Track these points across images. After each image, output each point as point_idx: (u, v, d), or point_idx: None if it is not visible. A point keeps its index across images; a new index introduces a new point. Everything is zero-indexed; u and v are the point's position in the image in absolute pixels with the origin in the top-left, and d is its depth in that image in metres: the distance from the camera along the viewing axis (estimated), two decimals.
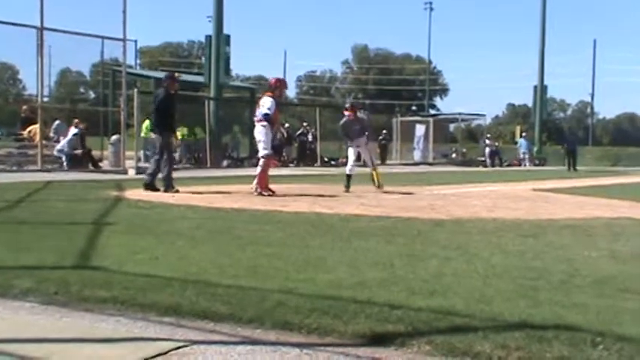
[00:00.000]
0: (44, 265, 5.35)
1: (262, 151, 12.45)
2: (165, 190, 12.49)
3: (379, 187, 14.02)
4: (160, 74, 40.31)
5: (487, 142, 42.26)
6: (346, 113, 14.39)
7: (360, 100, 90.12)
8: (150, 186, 12.71)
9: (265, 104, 12.39)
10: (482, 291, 4.72)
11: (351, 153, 14.38)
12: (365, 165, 14.89)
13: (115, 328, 3.90)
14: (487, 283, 5.02)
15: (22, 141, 22.36)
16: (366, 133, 14.37)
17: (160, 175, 12.86)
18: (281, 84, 12.99)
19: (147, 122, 27.52)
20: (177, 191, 12.52)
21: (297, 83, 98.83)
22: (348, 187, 13.74)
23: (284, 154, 28.72)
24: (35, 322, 3.97)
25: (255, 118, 12.57)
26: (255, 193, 12.31)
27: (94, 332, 3.80)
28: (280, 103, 13.14)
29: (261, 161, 12.49)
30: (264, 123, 12.34)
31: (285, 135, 29.90)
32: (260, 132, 12.37)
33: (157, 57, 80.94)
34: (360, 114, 15.42)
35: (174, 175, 13.23)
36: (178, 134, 16.94)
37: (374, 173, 14.22)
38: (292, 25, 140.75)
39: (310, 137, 32.70)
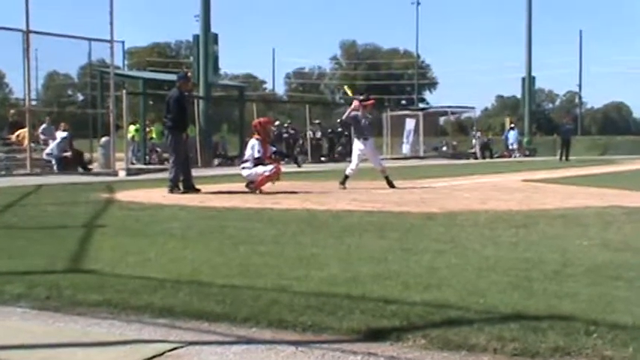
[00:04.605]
0: (35, 270, 5.31)
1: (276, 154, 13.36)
2: (170, 191, 12.48)
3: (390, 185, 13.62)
4: (149, 75, 40.32)
5: (477, 134, 42.53)
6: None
7: (349, 97, 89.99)
8: (187, 189, 12.68)
9: (254, 147, 12.91)
10: (476, 283, 4.73)
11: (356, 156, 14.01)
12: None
13: (108, 331, 3.88)
14: (481, 275, 5.02)
15: (11, 145, 22.24)
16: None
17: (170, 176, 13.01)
18: (262, 126, 13.37)
19: (137, 126, 27.64)
20: (198, 191, 12.64)
21: (286, 80, 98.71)
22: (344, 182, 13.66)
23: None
24: (27, 328, 3.94)
25: (244, 158, 13.15)
26: (257, 192, 12.47)
27: (87, 336, 3.78)
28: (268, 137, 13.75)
29: (270, 167, 12.61)
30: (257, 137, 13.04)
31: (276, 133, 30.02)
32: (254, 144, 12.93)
33: (145, 57, 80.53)
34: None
35: (195, 173, 13.64)
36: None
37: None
38: (280, 23, 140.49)
39: (319, 134, 32.92)
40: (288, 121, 34.52)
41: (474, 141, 41.94)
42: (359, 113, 13.94)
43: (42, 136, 23.35)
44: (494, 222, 8.20)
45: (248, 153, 12.99)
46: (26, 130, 20.83)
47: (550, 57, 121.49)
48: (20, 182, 15.81)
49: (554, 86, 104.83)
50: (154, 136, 28.22)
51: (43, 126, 24.17)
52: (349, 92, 17.81)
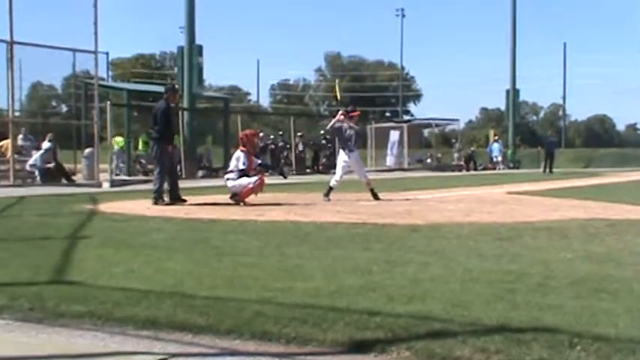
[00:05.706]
0: (18, 282, 5.28)
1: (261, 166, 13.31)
2: (155, 203, 12.44)
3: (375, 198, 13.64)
4: (133, 86, 40.22)
5: (458, 146, 42.92)
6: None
7: (334, 107, 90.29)
8: (173, 200, 12.71)
9: (239, 159, 12.83)
10: (460, 295, 4.74)
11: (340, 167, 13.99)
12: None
13: (92, 343, 3.85)
14: (465, 287, 5.03)
15: None
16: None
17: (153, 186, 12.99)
18: (249, 138, 13.27)
19: (121, 138, 27.56)
20: (185, 201, 12.68)
21: (271, 92, 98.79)
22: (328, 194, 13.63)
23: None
24: (9, 340, 3.91)
25: (228, 169, 13.11)
26: (242, 204, 12.41)
27: (70, 348, 3.76)
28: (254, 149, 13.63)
29: (254, 178, 12.59)
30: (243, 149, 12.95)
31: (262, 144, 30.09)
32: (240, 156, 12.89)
33: (130, 69, 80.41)
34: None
35: (181, 184, 13.68)
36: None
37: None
38: (265, 34, 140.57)
39: (301, 146, 32.98)
40: (280, 133, 34.65)
41: (455, 154, 42.30)
42: (344, 124, 13.94)
43: (23, 143, 23.18)
44: (479, 234, 8.23)
45: (233, 164, 12.98)
46: (9, 141, 20.70)
47: (534, 69, 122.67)
48: (3, 194, 15.68)
49: (538, 99, 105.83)
50: (140, 147, 28.14)
51: (20, 136, 24.05)
52: (338, 93, 17.67)
